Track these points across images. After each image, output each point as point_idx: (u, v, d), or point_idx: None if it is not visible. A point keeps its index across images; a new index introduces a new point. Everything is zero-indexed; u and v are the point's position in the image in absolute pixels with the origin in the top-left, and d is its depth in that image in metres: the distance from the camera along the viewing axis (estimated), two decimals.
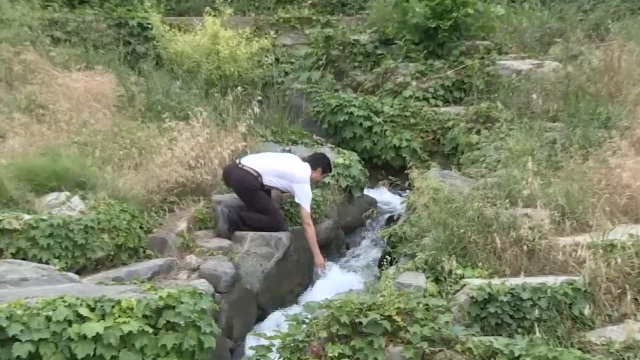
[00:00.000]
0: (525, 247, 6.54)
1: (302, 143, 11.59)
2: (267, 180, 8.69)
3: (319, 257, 8.72)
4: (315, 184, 9.27)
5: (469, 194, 7.42)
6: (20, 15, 12.99)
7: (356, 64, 14.58)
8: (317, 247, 8.72)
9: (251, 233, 8.35)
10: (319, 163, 9.05)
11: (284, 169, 8.74)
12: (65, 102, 10.39)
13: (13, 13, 13.05)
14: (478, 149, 10.59)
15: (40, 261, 6.88)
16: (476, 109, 11.98)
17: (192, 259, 7.72)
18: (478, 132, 11.33)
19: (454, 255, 6.61)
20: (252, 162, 8.80)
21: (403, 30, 14.32)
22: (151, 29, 14.22)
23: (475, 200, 7.13)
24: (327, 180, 9.97)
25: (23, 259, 6.83)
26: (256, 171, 8.66)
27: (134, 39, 14.60)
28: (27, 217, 7.16)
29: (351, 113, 12.42)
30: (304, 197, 8.63)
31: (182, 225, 8.28)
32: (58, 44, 13.22)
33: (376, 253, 9.37)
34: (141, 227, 7.93)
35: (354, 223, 10.47)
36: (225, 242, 8.21)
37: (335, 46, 14.70)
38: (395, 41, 14.44)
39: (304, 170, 8.81)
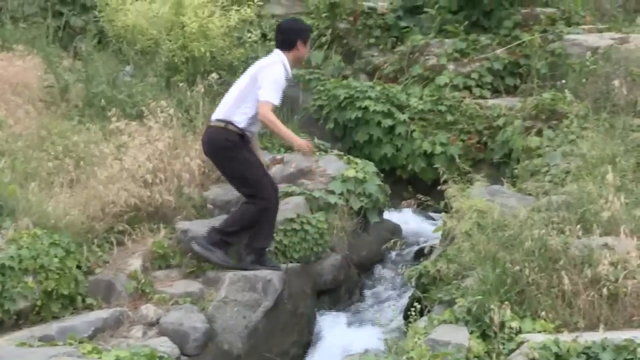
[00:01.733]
0: (605, 290, 6.55)
1: (298, 150, 11.60)
2: (241, 120, 8.69)
3: (295, 139, 8.95)
4: (300, 63, 9.56)
5: (527, 218, 7.43)
6: None
7: (372, 40, 14.68)
8: (285, 129, 8.88)
9: (230, 274, 8.37)
10: (295, 34, 8.98)
11: (244, 80, 8.90)
12: None
13: None
14: (539, 155, 10.61)
15: None
16: (536, 102, 12.01)
17: (149, 310, 7.75)
18: (539, 133, 11.35)
19: (507, 302, 6.62)
20: (217, 110, 8.97)
21: None
22: None
23: (535, 227, 7.14)
24: (333, 200, 10.00)
25: None
26: (223, 119, 8.73)
27: (68, 9, 14.65)
28: None
29: (366, 108, 12.50)
30: (268, 85, 8.62)
31: (136, 264, 8.32)
32: None
33: (401, 299, 9.38)
34: (79, 267, 7.96)
35: (370, 258, 10.50)
36: (195, 286, 8.24)
37: (344, 17, 14.79)
38: (426, 9, 14.53)
39: (272, 58, 8.95)
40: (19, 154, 9.16)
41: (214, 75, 11.30)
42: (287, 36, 8.87)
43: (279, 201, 8.90)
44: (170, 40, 12.69)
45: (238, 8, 13.40)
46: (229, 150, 8.63)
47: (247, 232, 8.60)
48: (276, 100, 8.55)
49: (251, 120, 8.64)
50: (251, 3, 13.74)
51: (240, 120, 8.61)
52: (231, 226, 8.62)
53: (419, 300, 7.69)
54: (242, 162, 8.66)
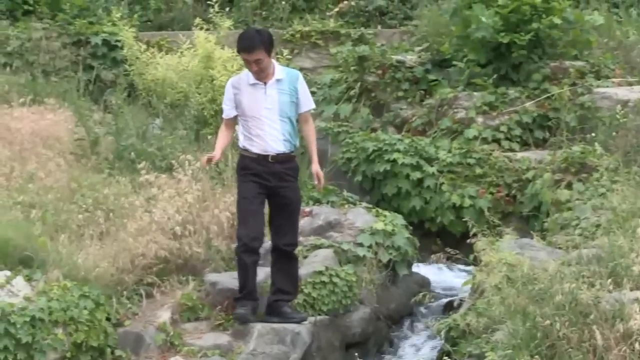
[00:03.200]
0: (637, 345, 6.51)
1: (327, 202, 11.65)
2: (240, 135, 8.67)
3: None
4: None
5: (557, 272, 7.41)
6: None
7: (401, 93, 14.71)
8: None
9: (258, 326, 8.38)
10: None
11: None
12: (4, 149, 10.55)
13: None
14: (569, 209, 10.59)
15: None
16: (566, 155, 12.01)
17: None
18: (569, 186, 11.34)
19: (537, 356, 6.60)
20: None
21: (464, 47, 14.46)
22: (121, 48, 14.46)
23: (566, 280, 7.12)
24: (361, 253, 10.02)
25: None
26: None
27: (98, 62, 14.84)
28: None
29: (394, 161, 12.52)
30: None
31: (165, 316, 8.34)
32: None
33: (431, 352, 9.34)
34: (108, 319, 7.99)
35: (399, 311, 10.47)
36: (224, 339, 8.25)
37: (372, 70, 14.85)
38: (454, 62, 14.57)
39: None
40: (49, 206, 9.24)
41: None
42: None
43: (255, 252, 8.53)
44: (199, 94, 12.82)
45: None
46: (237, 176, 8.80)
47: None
48: (225, 114, 8.77)
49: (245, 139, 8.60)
50: (280, 57, 13.85)
51: (241, 140, 8.66)
52: None
53: (448, 354, 7.66)
54: (239, 185, 8.74)
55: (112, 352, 7.85)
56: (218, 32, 13.74)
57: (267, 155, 8.39)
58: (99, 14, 16.24)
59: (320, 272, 9.29)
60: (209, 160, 8.65)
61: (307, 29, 17.13)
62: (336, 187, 12.22)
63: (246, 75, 8.52)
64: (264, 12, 18.68)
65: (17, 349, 7.22)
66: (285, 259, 8.69)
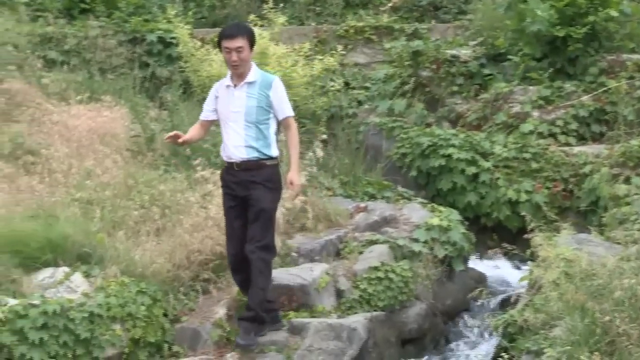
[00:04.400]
0: None
1: (382, 197, 11.64)
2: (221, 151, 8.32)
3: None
4: (229, 67, 8.17)
5: (615, 267, 7.34)
6: (3, 30, 13.39)
7: (455, 88, 14.66)
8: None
9: (315, 322, 8.38)
10: None
11: None
12: (62, 146, 10.64)
13: None
14: (628, 203, 10.49)
15: None
16: (624, 149, 11.91)
17: (234, 359, 7.78)
18: (627, 181, 11.24)
19: (597, 353, 6.53)
20: None
21: (519, 41, 14.38)
22: (176, 45, 14.54)
23: (625, 276, 7.04)
24: (417, 248, 9.99)
25: (8, 359, 6.96)
26: None
27: (154, 60, 14.92)
28: (12, 302, 7.32)
29: (449, 156, 12.49)
30: None
31: (221, 312, 8.37)
32: (53, 67, 13.60)
33: (488, 348, 9.29)
34: (165, 315, 8.05)
35: (455, 307, 10.44)
36: (280, 335, 8.25)
37: (426, 65, 14.81)
38: (509, 56, 14.50)
39: None
40: (107, 202, 9.31)
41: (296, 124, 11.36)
42: None
43: (245, 265, 8.01)
44: None
45: (321, 57, 13.52)
46: None
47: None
48: (201, 116, 8.47)
49: (222, 146, 8.29)
50: (334, 52, 13.85)
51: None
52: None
53: (505, 350, 7.63)
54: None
55: (170, 348, 7.90)
56: (272, 28, 13.75)
57: (232, 163, 8.01)
58: (154, 12, 16.34)
59: (376, 268, 9.30)
60: (176, 137, 8.19)
61: (360, 24, 17.12)
62: (391, 182, 12.21)
63: (226, 78, 8.18)
64: (317, 8, 18.73)
65: (76, 344, 7.28)
66: (252, 269, 7.97)
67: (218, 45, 8.12)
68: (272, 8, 14.21)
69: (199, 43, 14.05)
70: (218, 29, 16.31)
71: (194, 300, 8.62)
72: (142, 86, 13.54)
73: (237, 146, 7.94)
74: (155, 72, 14.67)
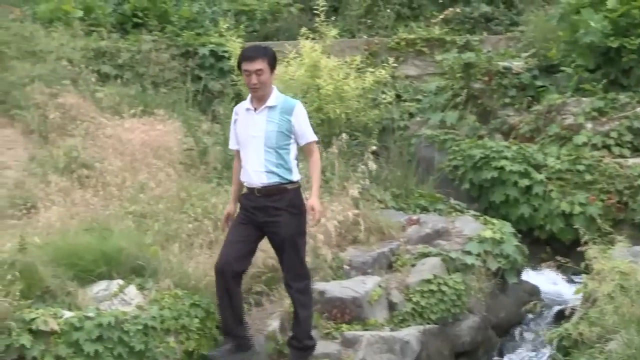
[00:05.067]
0: None
1: (434, 210, 11.61)
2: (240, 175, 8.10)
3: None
4: (250, 89, 7.93)
5: None
6: (58, 45, 13.57)
7: (507, 100, 14.60)
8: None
9: (367, 334, 8.37)
10: None
11: None
12: (116, 160, 10.75)
13: (48, 43, 13.65)
14: None
15: None
16: None
17: None
18: None
19: None
20: None
21: (572, 52, 14.30)
22: (229, 58, 14.62)
23: None
24: (470, 261, 9.95)
25: None
26: None
27: (206, 73, 15.02)
28: (68, 314, 7.40)
29: (502, 168, 12.43)
30: None
31: (274, 324, 8.38)
32: (106, 81, 13.74)
33: None
34: (218, 328, 8.06)
35: (508, 320, 10.38)
36: (333, 347, 8.25)
37: (478, 77, 14.77)
38: (562, 68, 14.42)
39: None
40: (160, 215, 9.38)
41: (348, 136, 11.39)
42: None
43: (229, 276, 7.81)
44: (305, 103, 12.83)
45: (373, 70, 13.52)
46: None
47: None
48: (230, 145, 8.33)
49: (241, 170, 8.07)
50: (386, 65, 13.85)
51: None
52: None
53: None
54: None
55: None
56: (324, 41, 13.77)
57: (253, 189, 7.78)
58: (206, 25, 16.46)
59: (429, 281, 9.29)
60: (228, 219, 8.14)
61: (412, 36, 17.12)
62: (443, 195, 12.18)
63: (246, 101, 7.98)
64: (369, 21, 18.75)
65: (131, 356, 7.34)
66: (294, 303, 8.04)
67: (238, 67, 7.93)
68: (323, 21, 14.21)
69: None
70: (269, 42, 16.56)
71: (246, 312, 8.63)
72: (195, 99, 13.62)
73: (257, 171, 7.73)
74: (208, 85, 14.76)
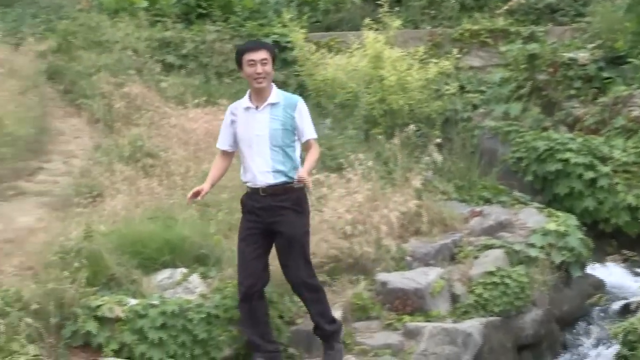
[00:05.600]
0: None
1: (497, 202, 11.54)
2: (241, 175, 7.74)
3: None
4: (251, 82, 7.51)
5: None
6: (123, 35, 13.71)
7: (572, 92, 14.49)
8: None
9: (429, 326, 8.35)
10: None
11: None
12: (180, 149, 10.84)
13: (114, 33, 13.81)
14: None
15: None
16: None
17: None
18: None
19: None
20: None
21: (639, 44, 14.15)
22: (292, 49, 14.67)
23: None
24: (533, 254, 9.88)
25: (128, 358, 7.09)
26: None
27: None
28: (132, 301, 7.48)
29: (566, 160, 12.32)
30: None
31: (336, 315, 8.35)
32: (170, 71, 13.86)
33: (607, 356, 9.14)
34: (281, 317, 8.08)
35: (572, 313, 10.28)
36: (395, 338, 8.23)
37: (543, 68, 14.66)
38: (629, 59, 14.26)
39: None
40: (223, 205, 9.41)
41: (412, 127, 11.34)
42: None
43: (255, 296, 7.53)
44: (369, 94, 12.86)
45: (436, 61, 13.48)
46: None
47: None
48: (218, 144, 7.91)
49: (242, 170, 7.72)
50: (450, 56, 13.80)
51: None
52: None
53: (625, 359, 7.50)
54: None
55: (285, 350, 7.92)
56: (387, 32, 13.75)
57: (258, 189, 7.41)
58: (269, 16, 16.53)
59: (492, 273, 9.23)
60: (195, 195, 7.64)
61: (476, 27, 17.05)
62: (506, 186, 12.11)
63: (243, 100, 7.62)
64: (432, 11, 18.70)
65: (194, 345, 7.39)
66: (303, 298, 7.80)
67: (239, 62, 7.53)
68: (386, 11, 14.19)
69: (314, 47, 14.13)
70: (332, 33, 16.61)
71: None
72: None
73: (262, 171, 7.39)
74: None
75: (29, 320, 6.98)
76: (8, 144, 11.17)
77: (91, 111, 11.95)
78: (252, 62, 7.38)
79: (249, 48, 7.51)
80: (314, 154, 7.61)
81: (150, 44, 14.17)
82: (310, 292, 7.63)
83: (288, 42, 14.91)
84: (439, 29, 17.29)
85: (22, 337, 6.86)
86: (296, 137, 7.56)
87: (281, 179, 7.38)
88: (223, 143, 7.74)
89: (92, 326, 7.18)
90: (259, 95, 7.47)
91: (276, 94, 7.54)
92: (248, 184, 7.51)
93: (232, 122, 7.62)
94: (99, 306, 7.28)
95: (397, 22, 14.16)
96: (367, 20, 13.99)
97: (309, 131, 7.58)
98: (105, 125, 11.71)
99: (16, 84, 12.80)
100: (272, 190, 7.38)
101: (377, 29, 13.71)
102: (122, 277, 7.97)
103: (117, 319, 7.27)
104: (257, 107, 7.47)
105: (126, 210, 9.22)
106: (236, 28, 15.44)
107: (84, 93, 12.24)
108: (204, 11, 16.05)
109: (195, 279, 8.14)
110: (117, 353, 7.16)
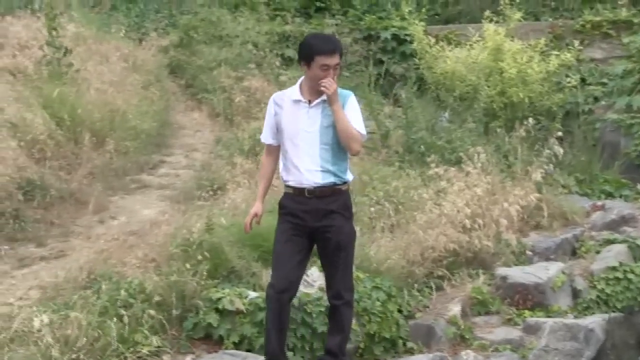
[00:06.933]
0: None
1: (620, 196, 11.35)
2: (280, 163, 7.00)
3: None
4: (314, 89, 6.65)
5: None
6: (244, 30, 13.82)
7: None
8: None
9: (550, 321, 8.23)
10: (299, 52, 6.87)
11: None
12: None
13: (234, 28, 13.93)
14: None
15: None
16: None
17: (469, 356, 7.72)
18: None
19: None
20: None
21: None
22: (411, 42, 14.63)
23: None
24: None
25: (248, 351, 7.14)
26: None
27: (388, 57, 15.07)
28: (252, 294, 7.50)
29: None
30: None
31: (455, 309, 8.32)
32: (290, 65, 13.91)
33: None
34: (400, 311, 8.05)
35: None
36: (515, 334, 8.15)
37: None
38: None
39: None
40: None
41: (532, 120, 11.20)
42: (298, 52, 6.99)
43: (282, 309, 6.77)
44: (488, 86, 12.75)
45: (557, 53, 13.29)
46: None
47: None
48: (262, 137, 7.11)
49: (283, 168, 6.95)
50: (571, 48, 13.59)
51: (283, 175, 6.97)
52: None
53: None
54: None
55: (404, 344, 7.89)
56: (507, 24, 13.61)
57: (303, 189, 6.67)
58: (388, 9, 16.49)
59: (614, 268, 9.06)
60: (252, 220, 6.97)
61: (598, 18, 16.70)
62: (629, 180, 11.90)
63: (291, 90, 6.90)
64: (553, 3, 18.43)
65: (313, 337, 7.39)
66: (335, 315, 6.96)
67: (307, 58, 6.65)
68: (507, 3, 14.05)
69: (433, 40, 14.06)
70: (451, 25, 16.49)
71: (427, 297, 8.59)
72: (377, 83, 13.67)
73: (310, 170, 6.67)
74: (390, 69, 14.85)
75: (151, 311, 7.04)
76: (131, 137, 11.38)
77: (212, 105, 12.08)
78: (325, 67, 6.58)
79: (324, 51, 6.62)
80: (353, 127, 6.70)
81: (270, 38, 14.27)
82: (347, 306, 6.96)
83: (407, 35, 14.88)
84: (560, 21, 17.01)
85: (145, 328, 6.94)
86: None
87: (330, 179, 6.70)
88: (267, 136, 6.96)
89: (213, 318, 7.23)
90: (315, 90, 6.69)
91: None
92: (290, 184, 6.77)
93: (276, 113, 6.86)
94: (219, 299, 7.32)
95: (518, 15, 14.02)
96: (487, 13, 13.86)
97: (357, 127, 6.69)
98: (225, 119, 11.83)
99: (139, 78, 13.04)
100: (319, 192, 6.69)
101: (497, 22, 13.58)
102: (243, 270, 8.01)
103: (238, 312, 7.30)
104: (309, 102, 6.71)
105: (246, 204, 9.24)
106: (355, 22, 15.47)
107: (205, 87, 12.37)
108: (323, 5, 16.12)
109: (315, 272, 8.12)
110: (237, 345, 7.19)
